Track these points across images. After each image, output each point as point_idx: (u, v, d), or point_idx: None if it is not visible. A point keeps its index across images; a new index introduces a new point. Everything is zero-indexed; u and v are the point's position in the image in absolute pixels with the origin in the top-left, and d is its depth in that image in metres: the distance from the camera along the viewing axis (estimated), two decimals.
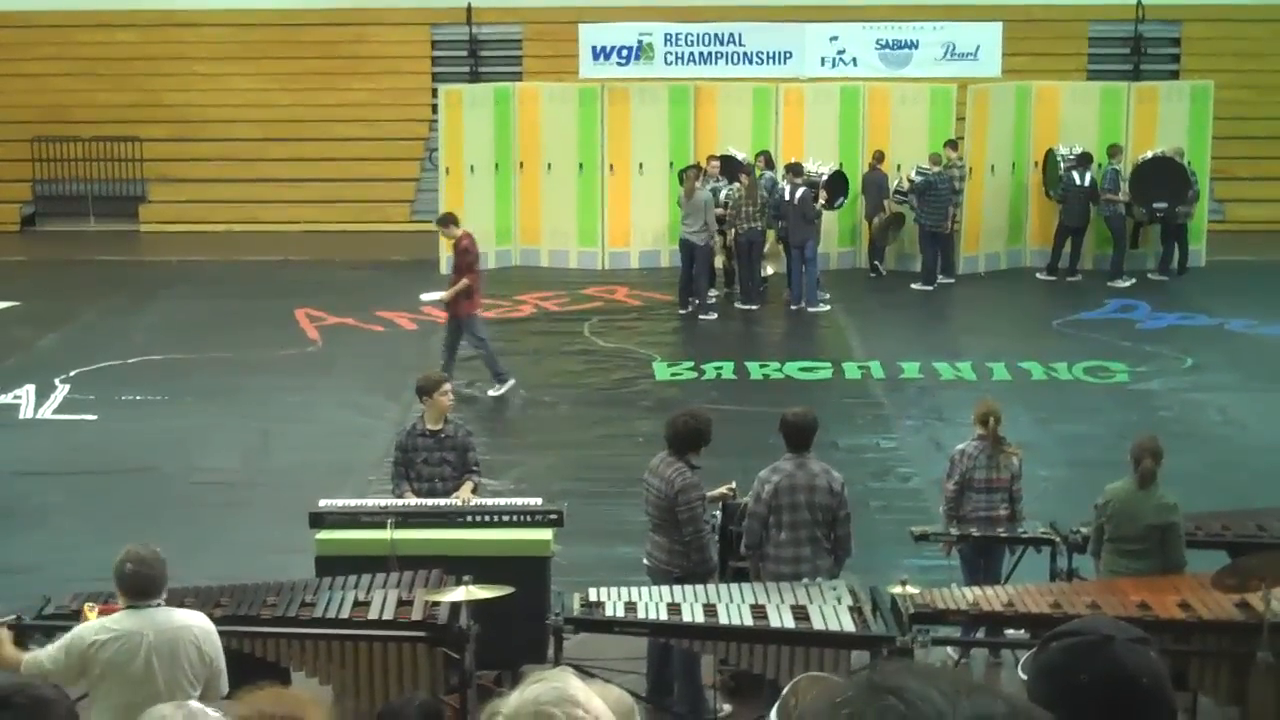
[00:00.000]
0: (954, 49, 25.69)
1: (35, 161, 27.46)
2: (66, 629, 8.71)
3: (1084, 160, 22.25)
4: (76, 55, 28.61)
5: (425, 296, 16.93)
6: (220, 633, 8.48)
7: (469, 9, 28.66)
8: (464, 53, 29.07)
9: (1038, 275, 22.70)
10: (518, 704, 3.21)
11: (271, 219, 26.50)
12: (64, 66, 28.55)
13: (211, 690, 7.21)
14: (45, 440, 15.49)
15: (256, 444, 15.31)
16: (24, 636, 8.66)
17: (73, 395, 16.67)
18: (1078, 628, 3.37)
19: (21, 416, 16.10)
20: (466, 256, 16.62)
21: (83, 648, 7.10)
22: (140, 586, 7.12)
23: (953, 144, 22.39)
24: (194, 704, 3.93)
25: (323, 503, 10.27)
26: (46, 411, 16.26)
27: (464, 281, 16.51)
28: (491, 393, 16.70)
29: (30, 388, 16.79)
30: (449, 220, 17.07)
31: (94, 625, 7.20)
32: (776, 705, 5.76)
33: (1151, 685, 3.22)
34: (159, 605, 7.18)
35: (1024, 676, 3.56)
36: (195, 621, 7.29)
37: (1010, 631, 9.59)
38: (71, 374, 17.27)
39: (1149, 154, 22.43)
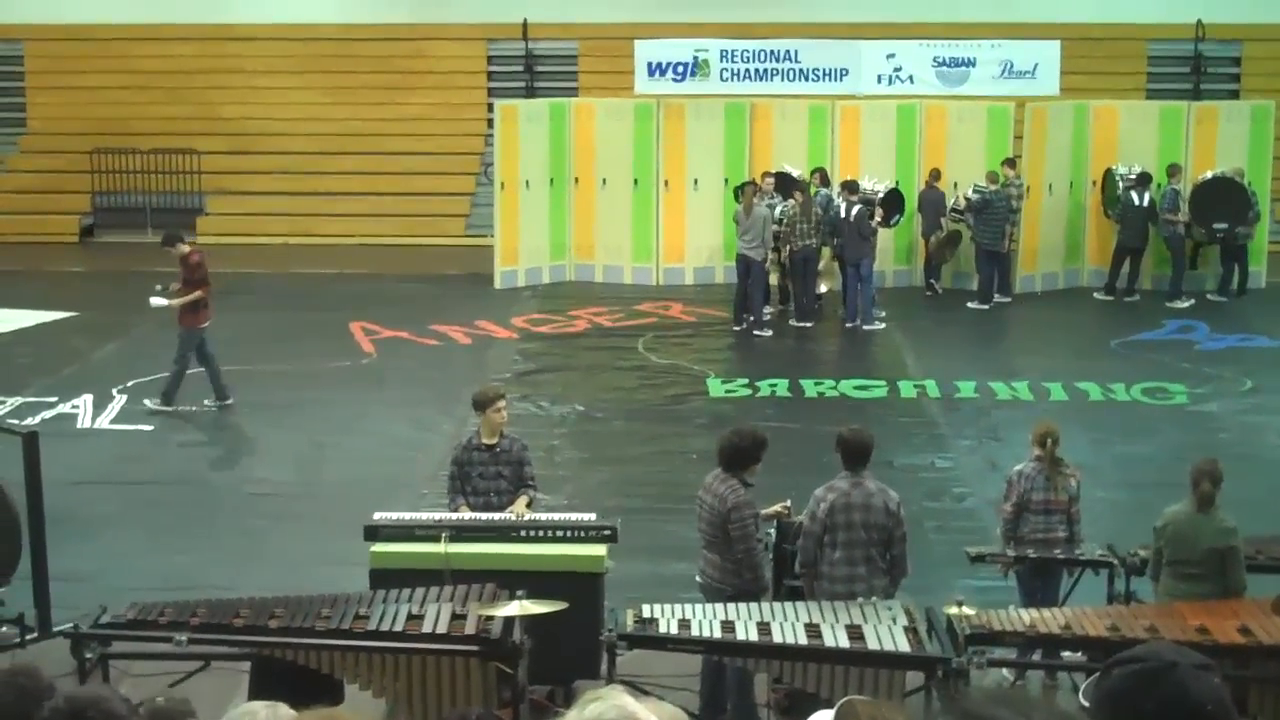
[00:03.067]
0: (1012, 67, 25.56)
1: (94, 173, 27.70)
2: (123, 638, 8.78)
3: (1143, 180, 22.09)
4: (136, 69, 28.85)
5: (154, 300, 16.80)
6: (275, 644, 8.53)
7: (525, 24, 28.73)
8: (520, 68, 29.15)
9: (1095, 295, 22.54)
10: None
11: (327, 232, 26.64)
12: (123, 80, 28.80)
13: None
14: (102, 450, 15.58)
15: (311, 456, 15.35)
16: (80, 645, 8.70)
17: (129, 405, 16.78)
18: (1141, 654, 3.33)
19: (79, 426, 16.21)
20: (199, 271, 16.58)
21: None
22: None
23: (1010, 162, 22.28)
24: (282, 707, 3.94)
25: (377, 515, 10.28)
26: (104, 421, 16.37)
27: (197, 293, 16.48)
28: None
29: (88, 397, 16.92)
30: (175, 239, 16.83)
31: None
32: None
33: (1216, 711, 3.18)
34: None
35: (1086, 703, 3.52)
36: None
37: (1067, 654, 9.50)
38: (129, 384, 17.38)
39: (1209, 174, 22.26)
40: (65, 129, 28.51)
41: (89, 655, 8.73)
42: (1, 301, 21.95)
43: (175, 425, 16.28)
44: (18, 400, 16.91)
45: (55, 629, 9.96)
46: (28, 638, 10.11)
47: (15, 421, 14.47)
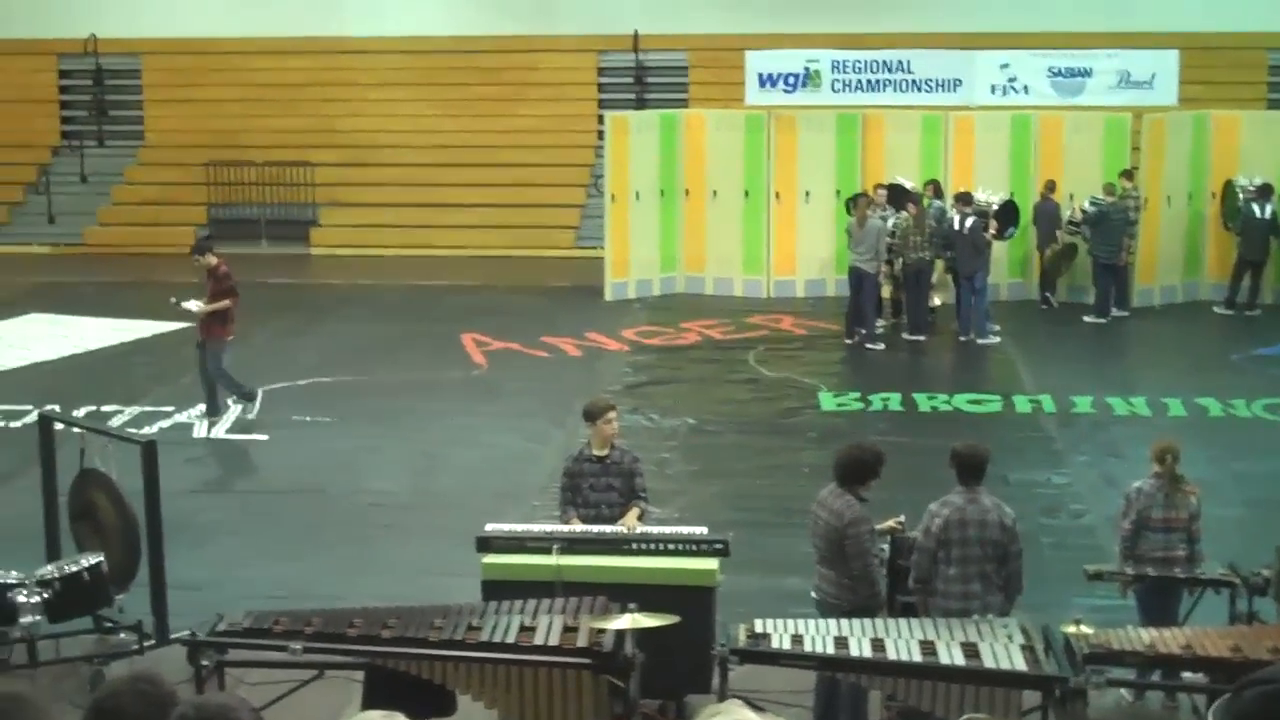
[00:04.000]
0: (1129, 77, 25.27)
1: (210, 185, 28.11)
2: (239, 646, 8.86)
3: (1264, 192, 21.71)
4: (251, 82, 29.26)
5: (188, 304, 16.77)
6: (388, 654, 8.56)
7: (635, 36, 28.80)
8: (630, 79, 29.23)
9: (1215, 309, 22.19)
10: None
11: (439, 244, 26.83)
12: (238, 93, 29.23)
13: None
14: (217, 459, 15.78)
15: (422, 466, 15.42)
16: (197, 653, 8.77)
17: (244, 415, 16.95)
18: (1272, 675, 3.25)
19: (195, 435, 16.41)
20: (227, 280, 16.56)
21: None
22: None
23: (1128, 174, 21.99)
24: (399, 717, 3.93)
25: (489, 527, 10.28)
26: (219, 431, 16.56)
27: (226, 301, 16.49)
28: (232, 403, 16.82)
29: (204, 407, 17.09)
30: (205, 248, 16.89)
31: None
32: None
33: None
34: None
35: None
36: None
37: (1187, 675, 9.31)
38: None
39: None
40: (182, 141, 28.98)
41: (205, 663, 8.80)
42: (119, 311, 22.33)
43: (289, 435, 16.43)
44: (136, 409, 17.16)
45: (172, 636, 10.07)
46: (145, 644, 10.25)
47: (134, 430, 14.68)
